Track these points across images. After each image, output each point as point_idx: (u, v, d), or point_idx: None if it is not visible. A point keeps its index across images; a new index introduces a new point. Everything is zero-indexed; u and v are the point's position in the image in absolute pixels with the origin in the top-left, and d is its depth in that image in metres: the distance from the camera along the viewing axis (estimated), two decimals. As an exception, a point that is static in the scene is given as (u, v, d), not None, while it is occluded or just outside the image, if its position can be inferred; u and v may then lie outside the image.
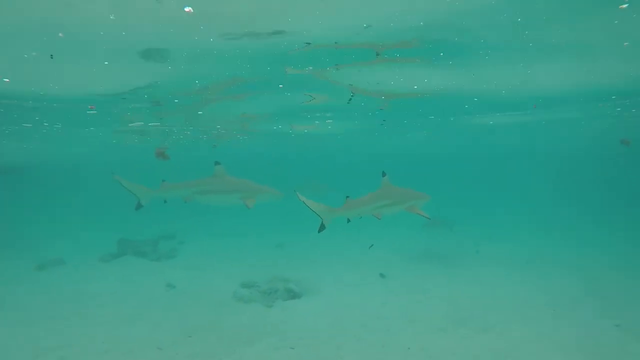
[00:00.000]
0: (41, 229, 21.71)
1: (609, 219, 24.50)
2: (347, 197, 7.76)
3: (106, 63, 7.96)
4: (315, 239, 18.59)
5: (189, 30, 6.34)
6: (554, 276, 11.80)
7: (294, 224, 22.87)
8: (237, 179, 9.50)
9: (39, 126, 16.59)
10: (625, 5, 5.76)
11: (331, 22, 6.29)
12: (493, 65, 8.98)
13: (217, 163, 9.48)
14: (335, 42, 7.18)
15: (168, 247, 16.33)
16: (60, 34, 6.33)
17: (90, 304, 9.87)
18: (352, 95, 12.07)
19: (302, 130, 21.42)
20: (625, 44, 7.66)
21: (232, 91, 11.19)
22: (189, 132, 19.23)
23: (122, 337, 7.91)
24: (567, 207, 32.31)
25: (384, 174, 8.44)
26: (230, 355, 7.07)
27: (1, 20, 5.87)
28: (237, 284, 11.16)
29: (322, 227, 7.82)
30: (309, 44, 7.16)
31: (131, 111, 13.91)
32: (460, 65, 8.89)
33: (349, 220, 7.89)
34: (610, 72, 10.06)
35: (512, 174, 57.29)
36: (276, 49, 7.34)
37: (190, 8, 5.45)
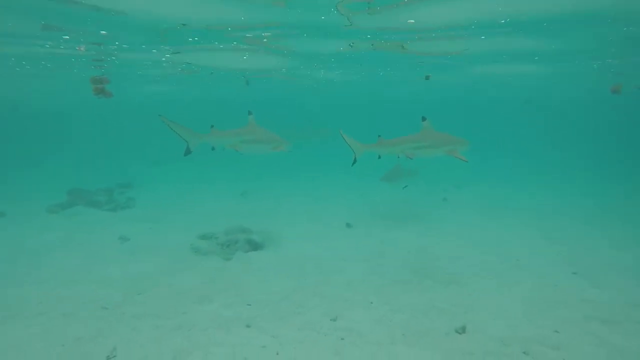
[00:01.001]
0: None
1: (576, 167, 25.10)
2: (379, 136, 8.26)
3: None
4: (280, 188, 18.06)
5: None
6: (518, 225, 11.85)
7: (259, 171, 22.18)
8: (264, 129, 9.64)
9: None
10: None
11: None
12: None
13: (250, 113, 9.50)
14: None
15: (125, 196, 15.38)
16: None
17: (28, 261, 9.06)
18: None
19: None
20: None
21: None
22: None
23: (62, 296, 7.25)
24: (534, 155, 33.03)
25: (424, 119, 8.48)
26: (182, 314, 6.58)
27: None
28: (195, 235, 10.57)
29: (354, 161, 8.99)
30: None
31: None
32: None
33: (379, 157, 8.60)
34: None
35: (481, 120, 57.55)
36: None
37: None
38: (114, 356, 5.46)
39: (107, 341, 5.77)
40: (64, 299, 7.13)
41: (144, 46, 12.88)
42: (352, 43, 12.28)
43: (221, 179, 21.04)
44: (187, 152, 8.88)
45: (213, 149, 9.10)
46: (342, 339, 5.82)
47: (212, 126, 9.08)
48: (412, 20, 9.60)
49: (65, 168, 21.90)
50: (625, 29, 10.55)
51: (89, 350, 5.57)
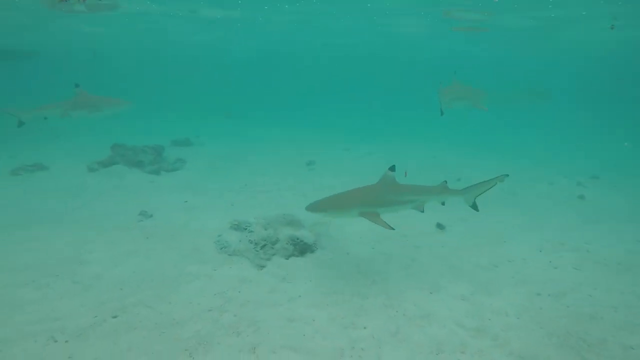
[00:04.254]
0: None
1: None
2: None
3: None
4: (353, 159, 14.77)
5: None
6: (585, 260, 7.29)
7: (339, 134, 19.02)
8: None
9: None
10: None
11: None
12: None
13: (455, 72, 9.60)
14: None
15: (175, 156, 13.40)
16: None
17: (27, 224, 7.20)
18: None
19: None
20: None
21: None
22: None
23: (15, 306, 5.10)
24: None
25: None
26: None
27: None
28: (230, 221, 7.96)
29: None
30: None
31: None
32: None
33: None
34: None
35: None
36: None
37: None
38: None
39: None
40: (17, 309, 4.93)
41: None
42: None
43: (292, 141, 18.33)
44: (441, 113, 9.19)
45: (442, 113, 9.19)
46: None
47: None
48: None
49: (127, 119, 20.44)
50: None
51: None
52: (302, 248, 6.92)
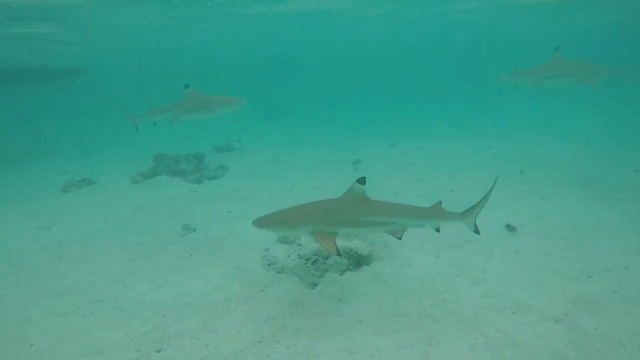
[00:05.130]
0: (86, 138, 19.97)
1: None
2: None
3: None
4: (402, 156, 13.82)
5: None
6: None
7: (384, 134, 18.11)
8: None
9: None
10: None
11: None
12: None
13: (557, 48, 9.18)
14: None
15: (217, 163, 13.12)
16: None
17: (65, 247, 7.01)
18: None
19: None
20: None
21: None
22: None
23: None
24: None
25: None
26: None
27: None
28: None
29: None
30: None
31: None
32: None
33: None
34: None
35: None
36: None
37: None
38: None
39: None
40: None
41: None
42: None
43: (336, 138, 17.59)
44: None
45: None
46: None
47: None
48: None
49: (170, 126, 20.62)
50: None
51: None
52: (357, 261, 6.23)
